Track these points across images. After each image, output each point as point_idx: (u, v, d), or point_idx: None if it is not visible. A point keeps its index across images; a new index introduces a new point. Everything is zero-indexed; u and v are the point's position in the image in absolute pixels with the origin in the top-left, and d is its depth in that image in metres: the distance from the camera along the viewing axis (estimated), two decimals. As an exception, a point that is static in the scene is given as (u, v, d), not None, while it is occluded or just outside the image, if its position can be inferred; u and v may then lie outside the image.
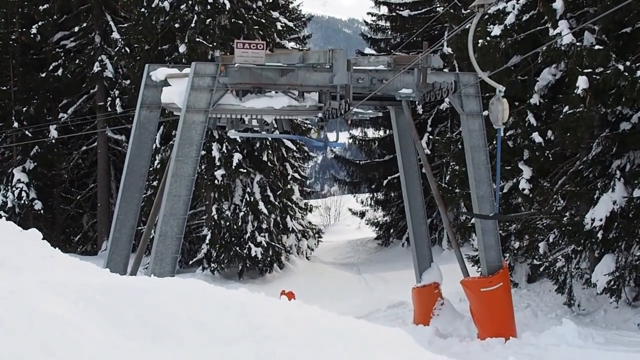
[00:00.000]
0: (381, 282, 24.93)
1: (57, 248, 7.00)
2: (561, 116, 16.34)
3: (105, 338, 4.59)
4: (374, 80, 14.45)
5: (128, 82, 28.15)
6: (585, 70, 15.36)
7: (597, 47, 15.59)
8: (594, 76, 15.23)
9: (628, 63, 15.02)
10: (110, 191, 30.28)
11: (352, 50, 32.98)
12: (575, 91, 15.39)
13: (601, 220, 15.75)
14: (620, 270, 15.80)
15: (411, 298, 17.39)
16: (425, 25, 28.08)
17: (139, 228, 19.33)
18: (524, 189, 17.74)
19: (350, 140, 35.17)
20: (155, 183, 23.80)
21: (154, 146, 21.27)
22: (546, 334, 13.80)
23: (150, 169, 20.49)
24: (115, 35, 28.59)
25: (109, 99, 29.27)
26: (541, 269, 18.28)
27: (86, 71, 29.48)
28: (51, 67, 29.41)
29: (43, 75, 29.19)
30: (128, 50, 26.92)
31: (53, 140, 28.62)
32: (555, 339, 13.35)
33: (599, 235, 15.82)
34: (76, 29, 30.06)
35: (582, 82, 15.24)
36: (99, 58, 29.13)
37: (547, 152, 17.26)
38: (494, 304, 14.76)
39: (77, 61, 29.44)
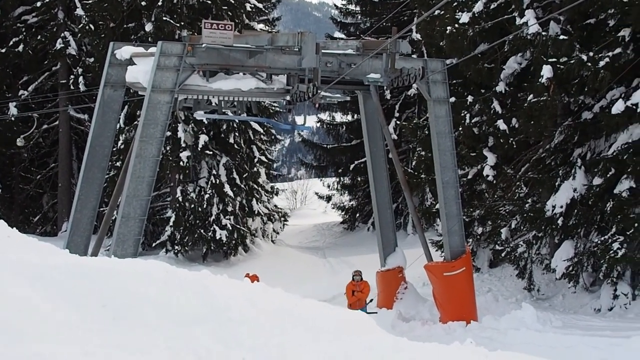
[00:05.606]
0: (346, 265, 25.02)
1: (15, 228, 6.85)
2: (526, 104, 16.53)
3: (64, 318, 4.52)
4: (342, 64, 14.39)
5: (92, 60, 27.56)
6: (550, 60, 15.55)
7: (562, 37, 15.77)
8: (558, 65, 15.42)
9: (591, 53, 15.24)
10: (71, 171, 29.75)
11: (321, 33, 32.81)
12: (540, 80, 15.58)
13: (562, 207, 16.05)
14: (578, 256, 16.13)
15: (375, 282, 17.50)
16: (395, 11, 28.11)
17: (101, 209, 19.05)
18: (488, 176, 17.98)
19: (318, 124, 35.15)
20: (118, 163, 23.45)
21: (118, 126, 20.92)
22: (506, 318, 14.02)
23: (114, 149, 20.16)
24: (80, 11, 27.95)
25: (72, 76, 28.68)
26: (503, 255, 18.57)
27: (48, 48, 28.80)
28: (11, 43, 28.67)
29: (3, 50, 28.44)
30: (92, 28, 26.32)
31: (12, 118, 27.95)
32: (515, 323, 13.57)
33: (559, 221, 16.12)
34: (38, 3, 29.31)
35: (546, 71, 15.42)
36: (62, 34, 28.49)
37: (512, 139, 17.48)
38: (456, 288, 14.93)
39: (39, 37, 28.72)
